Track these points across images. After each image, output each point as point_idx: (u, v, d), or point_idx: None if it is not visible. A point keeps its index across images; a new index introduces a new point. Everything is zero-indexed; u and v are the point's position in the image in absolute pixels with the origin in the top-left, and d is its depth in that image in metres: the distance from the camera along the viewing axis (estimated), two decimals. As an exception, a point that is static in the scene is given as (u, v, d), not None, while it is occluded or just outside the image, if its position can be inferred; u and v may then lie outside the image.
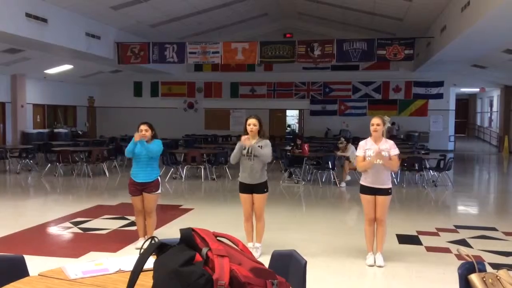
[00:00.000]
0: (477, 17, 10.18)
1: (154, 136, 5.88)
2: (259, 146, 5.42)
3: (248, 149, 5.42)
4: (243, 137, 5.40)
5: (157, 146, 5.80)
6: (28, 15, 12.04)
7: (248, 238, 5.67)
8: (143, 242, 6.14)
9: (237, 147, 5.53)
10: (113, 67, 19.32)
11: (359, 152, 5.43)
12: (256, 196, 5.53)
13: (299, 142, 12.48)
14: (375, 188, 5.26)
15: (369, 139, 5.40)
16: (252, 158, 5.40)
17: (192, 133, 21.42)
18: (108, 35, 16.15)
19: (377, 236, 5.40)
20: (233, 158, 5.59)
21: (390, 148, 5.27)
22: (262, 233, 5.68)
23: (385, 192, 5.26)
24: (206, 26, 18.22)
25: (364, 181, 5.36)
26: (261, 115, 5.55)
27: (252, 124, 5.42)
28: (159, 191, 5.91)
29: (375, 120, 5.28)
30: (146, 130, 5.73)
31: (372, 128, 5.26)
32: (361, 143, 5.46)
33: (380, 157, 5.13)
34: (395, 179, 11.92)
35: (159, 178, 5.91)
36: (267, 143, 5.50)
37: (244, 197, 5.59)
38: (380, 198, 5.26)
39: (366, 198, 5.33)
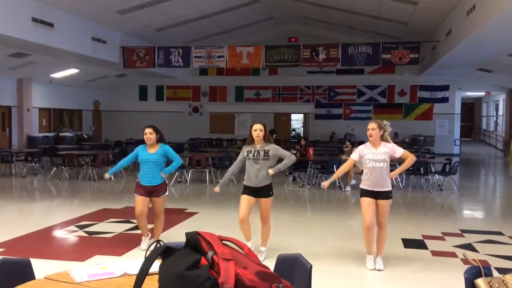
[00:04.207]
0: (483, 21, 10.16)
1: (159, 140, 5.86)
2: (266, 151, 5.40)
3: (254, 152, 5.42)
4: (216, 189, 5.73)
5: (171, 154, 5.89)
6: (34, 19, 12.13)
7: (247, 237, 5.56)
8: (149, 242, 6.11)
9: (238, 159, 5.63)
10: (118, 71, 19.41)
11: (354, 155, 5.44)
12: (263, 200, 5.48)
13: (303, 143, 12.45)
14: (376, 192, 5.23)
15: (368, 143, 5.38)
16: (259, 161, 5.38)
17: (197, 137, 21.45)
18: (114, 40, 16.23)
19: (378, 240, 5.36)
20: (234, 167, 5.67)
21: (392, 150, 5.23)
22: (267, 237, 5.65)
23: (386, 196, 5.23)
24: (211, 30, 18.29)
25: (364, 185, 5.31)
26: (266, 119, 5.55)
27: (258, 129, 5.38)
28: (167, 193, 5.96)
29: (370, 125, 5.27)
30: (150, 133, 5.74)
31: (368, 132, 5.27)
32: (360, 147, 5.46)
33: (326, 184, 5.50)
34: (400, 183, 11.90)
35: (166, 180, 5.95)
36: (274, 146, 5.48)
37: (247, 198, 5.46)
38: (381, 202, 5.23)
39: (367, 201, 5.24)
